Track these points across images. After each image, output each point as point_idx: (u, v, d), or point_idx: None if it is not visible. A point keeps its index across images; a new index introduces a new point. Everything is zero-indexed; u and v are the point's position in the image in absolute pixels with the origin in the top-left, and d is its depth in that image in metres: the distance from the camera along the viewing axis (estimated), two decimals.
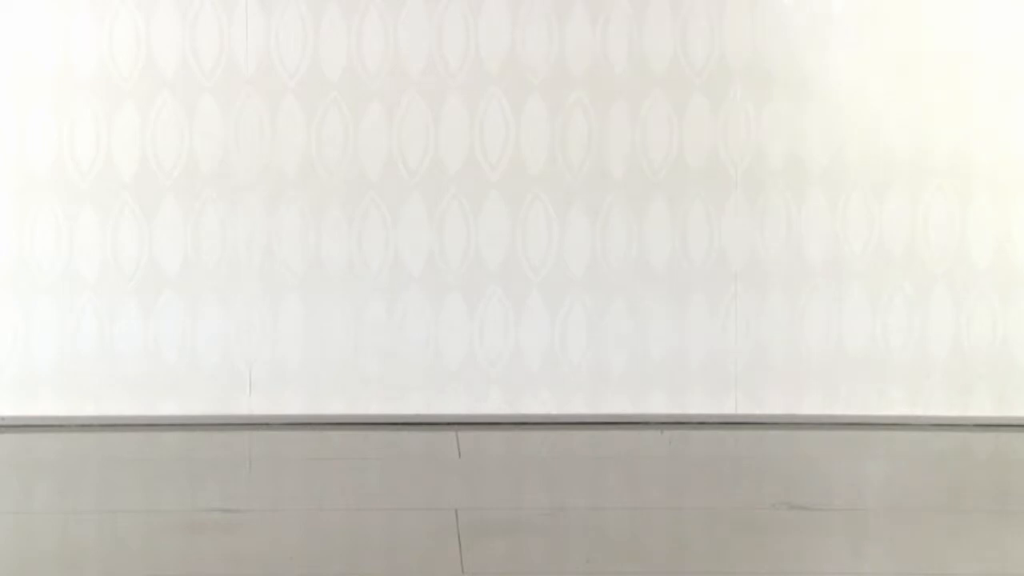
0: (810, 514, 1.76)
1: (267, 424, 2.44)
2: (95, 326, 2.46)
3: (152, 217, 2.46)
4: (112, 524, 1.73)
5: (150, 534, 1.67)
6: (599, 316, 2.48)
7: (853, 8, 2.48)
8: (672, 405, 2.46)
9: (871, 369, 2.49)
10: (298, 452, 2.26)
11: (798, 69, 2.49)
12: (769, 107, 2.49)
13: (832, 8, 2.49)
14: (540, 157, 2.49)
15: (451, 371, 2.48)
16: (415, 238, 2.48)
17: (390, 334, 2.48)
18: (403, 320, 2.48)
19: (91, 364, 2.45)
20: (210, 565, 1.55)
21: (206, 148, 2.47)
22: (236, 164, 2.47)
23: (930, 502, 1.89)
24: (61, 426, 2.42)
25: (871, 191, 2.50)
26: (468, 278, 2.48)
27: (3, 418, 2.43)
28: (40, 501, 1.92)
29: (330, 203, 2.48)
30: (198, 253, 2.47)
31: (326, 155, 2.48)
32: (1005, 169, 2.50)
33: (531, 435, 2.23)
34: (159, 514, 1.75)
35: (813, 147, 2.49)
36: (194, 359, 2.46)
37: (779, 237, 2.49)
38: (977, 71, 2.50)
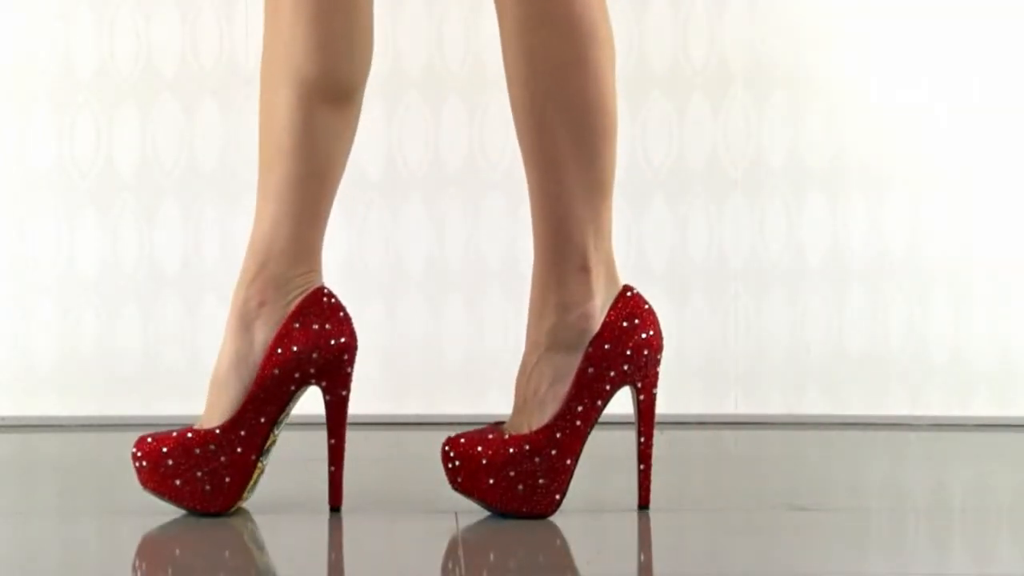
0: (810, 514, 1.76)
1: None
2: (95, 326, 2.46)
3: (152, 217, 2.47)
4: (111, 525, 1.73)
5: (149, 536, 1.67)
6: None
7: (855, 7, 2.49)
8: (672, 405, 2.46)
9: (871, 369, 2.49)
10: (298, 452, 2.26)
11: (799, 69, 2.49)
12: (769, 107, 2.49)
13: (833, 7, 2.50)
14: None
15: (451, 371, 2.48)
16: (415, 238, 2.48)
17: (390, 334, 2.48)
18: (403, 320, 2.48)
19: (91, 364, 2.45)
20: (209, 567, 1.55)
21: (206, 148, 2.47)
22: (236, 164, 2.47)
23: (932, 502, 1.89)
24: (61, 426, 2.42)
25: (872, 191, 2.50)
26: (468, 278, 2.48)
27: (3, 418, 2.43)
28: (40, 501, 1.91)
29: None
30: (198, 253, 2.47)
31: None
32: (1007, 170, 2.50)
33: None
34: (158, 515, 1.75)
35: (813, 147, 2.49)
36: (194, 359, 2.46)
37: (779, 237, 2.49)
38: (977, 77, 2.50)
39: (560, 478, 1.71)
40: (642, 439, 1.75)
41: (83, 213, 2.47)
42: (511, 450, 1.71)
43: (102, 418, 2.44)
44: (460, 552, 1.61)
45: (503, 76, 2.50)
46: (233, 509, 1.73)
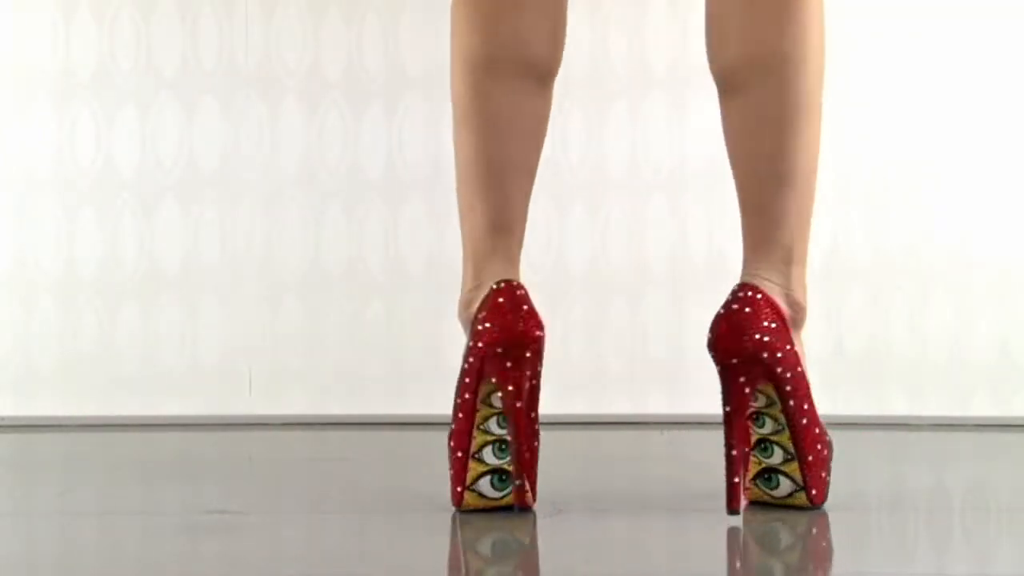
0: (810, 514, 1.76)
1: (267, 424, 2.45)
2: (95, 326, 2.46)
3: (152, 217, 2.47)
4: (111, 525, 1.73)
5: (149, 536, 1.67)
6: (599, 316, 2.48)
7: (855, 7, 2.49)
8: (672, 405, 2.46)
9: (871, 369, 2.49)
10: (298, 452, 2.26)
11: None
12: None
13: (833, 7, 2.50)
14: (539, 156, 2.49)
15: (451, 371, 2.48)
16: (415, 238, 2.48)
17: (390, 334, 2.48)
18: (403, 320, 2.48)
19: (91, 364, 2.46)
20: (209, 567, 1.55)
21: (206, 148, 2.47)
22: (236, 164, 2.47)
23: (932, 502, 1.89)
24: (61, 426, 2.42)
25: (872, 191, 2.50)
26: None
27: (3, 418, 2.43)
28: (40, 501, 1.92)
29: (330, 203, 2.48)
30: (198, 253, 2.47)
31: (326, 155, 2.48)
32: (1007, 170, 2.50)
33: None
34: (158, 515, 1.75)
35: None
36: (194, 359, 2.47)
37: None
38: (977, 78, 2.50)
39: (455, 470, 1.71)
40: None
41: (83, 213, 2.47)
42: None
43: (102, 418, 2.44)
44: (460, 551, 1.61)
45: None
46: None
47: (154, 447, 2.29)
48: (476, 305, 1.72)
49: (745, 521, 1.74)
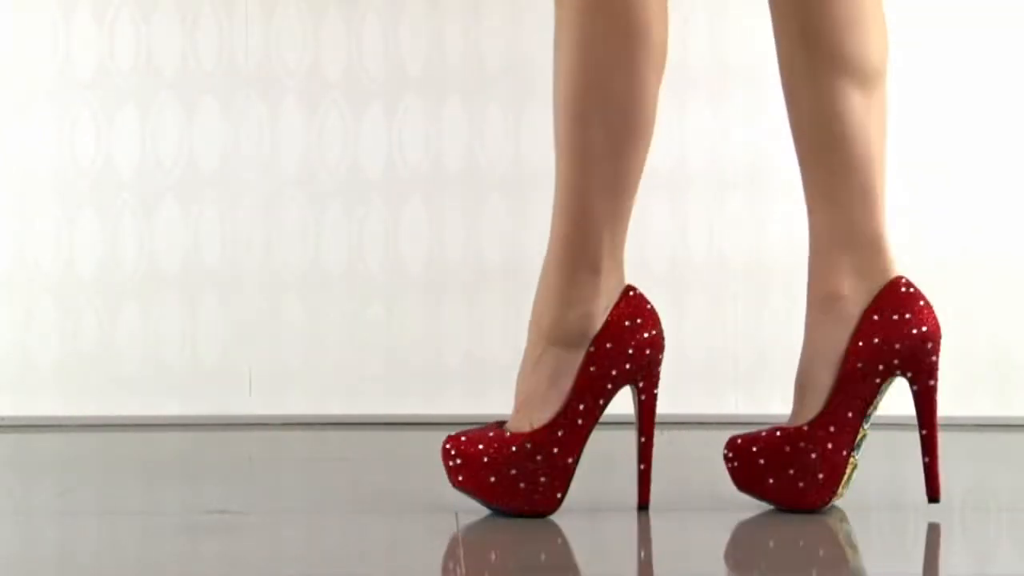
0: (810, 514, 1.76)
1: (267, 424, 2.45)
2: (95, 326, 2.46)
3: (152, 217, 2.47)
4: (111, 525, 1.73)
5: (149, 536, 1.67)
6: None
7: None
8: (672, 405, 2.46)
9: None
10: (298, 452, 2.26)
11: None
12: (769, 107, 2.49)
13: None
14: (540, 157, 2.49)
15: (451, 371, 2.48)
16: (415, 238, 2.48)
17: (390, 334, 2.48)
18: (403, 320, 2.48)
19: (91, 364, 2.46)
20: (209, 567, 1.55)
21: (206, 148, 2.47)
22: (236, 164, 2.47)
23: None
24: (61, 426, 2.42)
25: None
26: (468, 278, 2.48)
27: (3, 418, 2.43)
28: (40, 501, 1.92)
29: (330, 203, 2.48)
30: (198, 253, 2.47)
31: (326, 155, 2.48)
32: (1007, 170, 2.50)
33: None
34: (158, 515, 1.75)
35: None
36: (194, 359, 2.46)
37: (778, 237, 2.49)
38: (977, 78, 2.50)
39: (561, 476, 1.71)
40: (643, 439, 1.74)
41: (83, 213, 2.47)
42: (512, 448, 1.71)
43: (102, 418, 2.44)
44: (460, 552, 1.61)
45: (502, 76, 2.51)
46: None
47: (154, 447, 2.29)
48: (603, 311, 1.73)
49: (745, 521, 1.73)
